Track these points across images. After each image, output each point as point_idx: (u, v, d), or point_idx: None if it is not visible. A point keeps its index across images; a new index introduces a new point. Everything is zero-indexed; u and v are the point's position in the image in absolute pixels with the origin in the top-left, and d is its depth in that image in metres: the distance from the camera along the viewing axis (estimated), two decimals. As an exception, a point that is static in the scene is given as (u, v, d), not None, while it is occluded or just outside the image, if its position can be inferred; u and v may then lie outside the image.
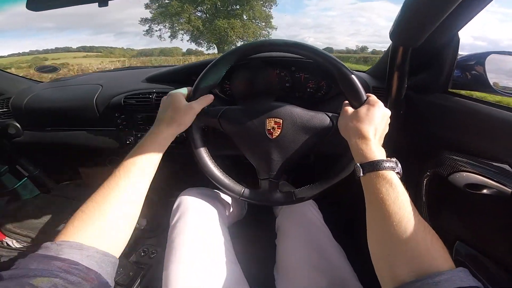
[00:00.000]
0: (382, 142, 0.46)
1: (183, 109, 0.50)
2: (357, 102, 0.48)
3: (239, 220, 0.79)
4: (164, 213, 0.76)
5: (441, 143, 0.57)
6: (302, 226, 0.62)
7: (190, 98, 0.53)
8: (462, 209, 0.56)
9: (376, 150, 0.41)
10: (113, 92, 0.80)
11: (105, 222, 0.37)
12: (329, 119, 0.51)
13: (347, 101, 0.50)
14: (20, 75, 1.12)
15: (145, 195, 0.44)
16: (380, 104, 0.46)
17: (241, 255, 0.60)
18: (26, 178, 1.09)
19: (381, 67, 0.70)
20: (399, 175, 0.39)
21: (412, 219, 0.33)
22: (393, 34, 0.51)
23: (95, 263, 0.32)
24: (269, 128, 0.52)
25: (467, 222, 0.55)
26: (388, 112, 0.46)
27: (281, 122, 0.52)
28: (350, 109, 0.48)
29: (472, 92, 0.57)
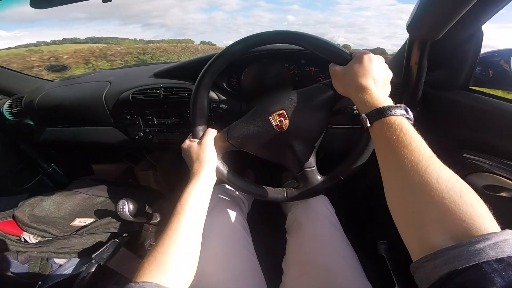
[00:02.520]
0: (388, 90, 0.43)
1: (201, 153, 0.51)
2: (342, 60, 0.45)
3: (252, 214, 0.79)
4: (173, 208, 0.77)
5: (459, 142, 0.54)
6: (314, 222, 0.62)
7: (197, 133, 0.55)
8: None
9: (380, 97, 0.38)
10: (122, 88, 0.80)
11: (178, 262, 0.38)
12: (326, 86, 0.49)
13: (332, 64, 0.47)
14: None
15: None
16: (370, 54, 0.42)
17: (254, 245, 0.61)
18: (40, 175, 1.13)
19: (398, 61, 0.67)
20: (411, 121, 0.35)
21: (432, 164, 0.28)
22: (411, 26, 0.48)
23: None
24: (277, 123, 0.50)
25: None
26: (381, 59, 0.43)
27: (284, 112, 0.50)
28: (338, 67, 0.45)
29: (495, 90, 0.54)
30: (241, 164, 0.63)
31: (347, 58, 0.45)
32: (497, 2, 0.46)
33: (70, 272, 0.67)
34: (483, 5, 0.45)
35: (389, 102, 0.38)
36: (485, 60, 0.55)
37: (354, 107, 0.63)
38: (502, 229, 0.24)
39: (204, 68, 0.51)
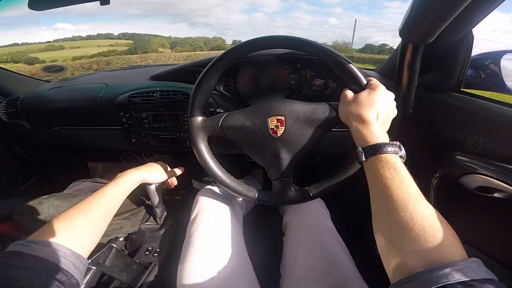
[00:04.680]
0: (387, 127, 0.44)
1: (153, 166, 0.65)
2: (357, 87, 0.46)
3: (249, 217, 0.80)
4: (171, 212, 0.77)
5: (452, 144, 0.55)
6: (309, 225, 0.62)
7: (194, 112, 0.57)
8: (472, 212, 0.54)
9: (378, 134, 0.40)
10: (118, 91, 0.80)
11: (84, 228, 0.42)
12: (332, 108, 0.50)
13: (347, 88, 0.47)
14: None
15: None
16: (381, 88, 0.43)
17: (250, 250, 0.61)
18: (35, 176, 1.12)
19: (390, 65, 0.68)
20: (403, 159, 0.37)
21: (418, 204, 0.31)
22: (403, 31, 0.49)
23: (70, 264, 0.35)
24: (272, 127, 0.51)
25: (476, 225, 0.53)
26: (391, 95, 0.44)
27: (283, 119, 0.50)
28: (349, 94, 0.46)
29: (486, 92, 0.55)
30: (238, 167, 0.63)
31: (362, 85, 0.45)
32: (488, 5, 0.47)
33: None
34: (474, 8, 0.46)
35: (385, 138, 0.40)
36: (477, 62, 0.56)
37: None
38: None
39: (224, 53, 0.51)
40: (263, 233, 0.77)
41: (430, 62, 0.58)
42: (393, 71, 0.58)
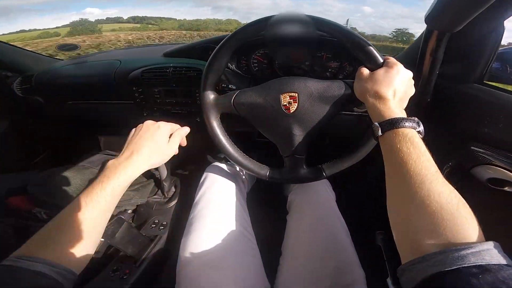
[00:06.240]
0: (405, 104, 0.43)
1: (164, 143, 0.48)
2: (373, 65, 0.44)
3: (253, 195, 0.80)
4: (178, 186, 0.79)
5: (468, 135, 0.54)
6: (315, 205, 0.62)
7: (207, 87, 0.54)
8: (480, 204, 0.53)
9: (395, 109, 0.39)
10: (131, 67, 0.81)
11: (75, 242, 0.35)
12: (347, 85, 0.49)
13: (362, 66, 0.46)
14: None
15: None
16: (399, 66, 0.42)
17: (253, 227, 0.62)
18: (48, 150, 1.15)
19: (412, 52, 0.65)
20: (421, 135, 0.36)
21: (436, 180, 0.30)
22: (429, 18, 0.47)
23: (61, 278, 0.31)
24: (285, 103, 0.50)
25: (484, 218, 0.53)
26: (409, 74, 0.43)
27: (296, 95, 0.50)
28: (365, 71, 0.44)
29: (509, 86, 0.53)
30: (247, 145, 0.63)
31: (378, 63, 0.44)
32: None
33: None
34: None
35: (403, 114, 0.38)
36: (504, 55, 0.53)
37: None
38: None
39: (236, 31, 0.50)
40: (267, 211, 0.78)
41: (454, 52, 0.56)
42: (414, 59, 0.56)
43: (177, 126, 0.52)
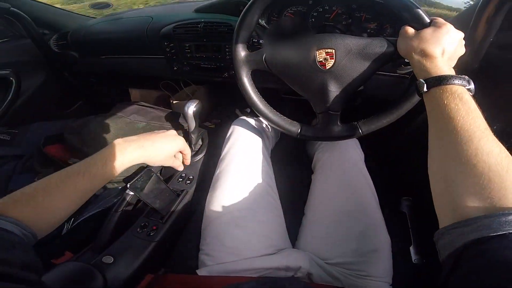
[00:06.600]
0: (453, 63, 0.40)
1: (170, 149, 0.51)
2: (419, 25, 0.42)
3: (277, 152, 0.80)
4: (205, 139, 0.80)
5: None
6: (342, 165, 0.61)
7: (238, 47, 0.54)
8: None
9: (443, 67, 0.36)
10: (164, 23, 0.82)
11: (46, 208, 0.35)
12: (390, 43, 0.46)
13: (407, 25, 0.44)
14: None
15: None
16: (448, 25, 0.40)
17: (278, 185, 0.62)
18: (81, 100, 1.24)
19: (467, 16, 0.60)
20: (471, 92, 0.34)
21: (485, 138, 0.28)
22: None
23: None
24: (321, 59, 0.49)
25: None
26: (460, 34, 0.40)
27: (333, 52, 0.48)
28: (411, 30, 0.42)
29: None
30: (273, 103, 0.63)
31: (425, 23, 0.42)
32: None
33: (105, 204, 0.63)
34: None
35: (451, 72, 0.36)
36: None
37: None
38: None
39: None
40: (291, 169, 0.78)
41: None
42: (467, 23, 0.51)
43: (189, 150, 0.56)
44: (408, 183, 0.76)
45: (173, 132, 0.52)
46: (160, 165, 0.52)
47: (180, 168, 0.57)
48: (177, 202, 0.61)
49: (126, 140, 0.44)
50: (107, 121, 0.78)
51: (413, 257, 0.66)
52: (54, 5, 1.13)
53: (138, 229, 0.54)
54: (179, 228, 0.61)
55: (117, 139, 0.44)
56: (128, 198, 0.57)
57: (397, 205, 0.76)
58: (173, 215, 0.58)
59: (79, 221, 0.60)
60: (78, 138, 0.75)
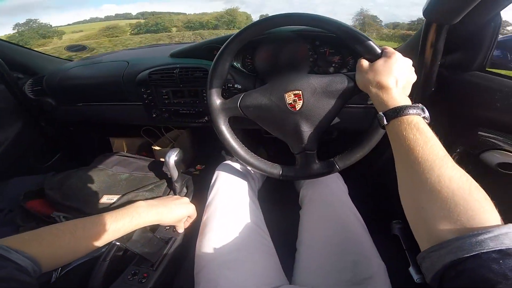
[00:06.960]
0: (408, 92, 0.44)
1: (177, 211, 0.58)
2: (372, 56, 0.45)
3: (265, 192, 0.81)
4: (190, 186, 0.79)
5: (474, 121, 0.55)
6: (327, 199, 0.62)
7: (212, 95, 0.57)
8: (491, 189, 0.54)
9: (398, 97, 0.39)
10: (139, 68, 0.83)
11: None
12: (349, 78, 0.50)
13: (361, 58, 0.47)
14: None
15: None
16: (397, 54, 0.43)
17: (267, 225, 0.62)
18: (60, 152, 1.16)
19: (413, 44, 0.67)
20: (427, 120, 0.36)
21: (445, 165, 0.29)
22: (427, 11, 0.48)
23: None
24: (290, 101, 0.52)
25: (495, 202, 0.54)
26: (408, 61, 0.44)
27: (300, 93, 0.51)
28: (365, 63, 0.45)
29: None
30: (255, 142, 0.64)
31: (376, 54, 0.45)
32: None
33: (92, 254, 0.59)
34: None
35: (407, 102, 0.39)
36: (504, 44, 0.54)
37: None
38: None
39: (235, 34, 0.52)
40: (279, 208, 0.79)
41: (455, 43, 0.57)
42: (415, 50, 0.57)
43: (195, 214, 0.63)
44: (395, 206, 0.79)
45: (186, 199, 0.62)
46: (168, 225, 0.60)
47: (181, 230, 0.63)
48: (166, 249, 0.61)
49: (149, 204, 0.53)
50: (89, 173, 0.76)
51: (415, 277, 0.67)
52: (27, 47, 1.10)
53: (129, 277, 0.53)
54: (171, 274, 0.60)
55: (141, 202, 0.53)
56: (115, 248, 0.56)
57: (389, 229, 0.78)
58: (164, 261, 0.58)
59: (67, 270, 0.58)
60: (59, 193, 0.72)
